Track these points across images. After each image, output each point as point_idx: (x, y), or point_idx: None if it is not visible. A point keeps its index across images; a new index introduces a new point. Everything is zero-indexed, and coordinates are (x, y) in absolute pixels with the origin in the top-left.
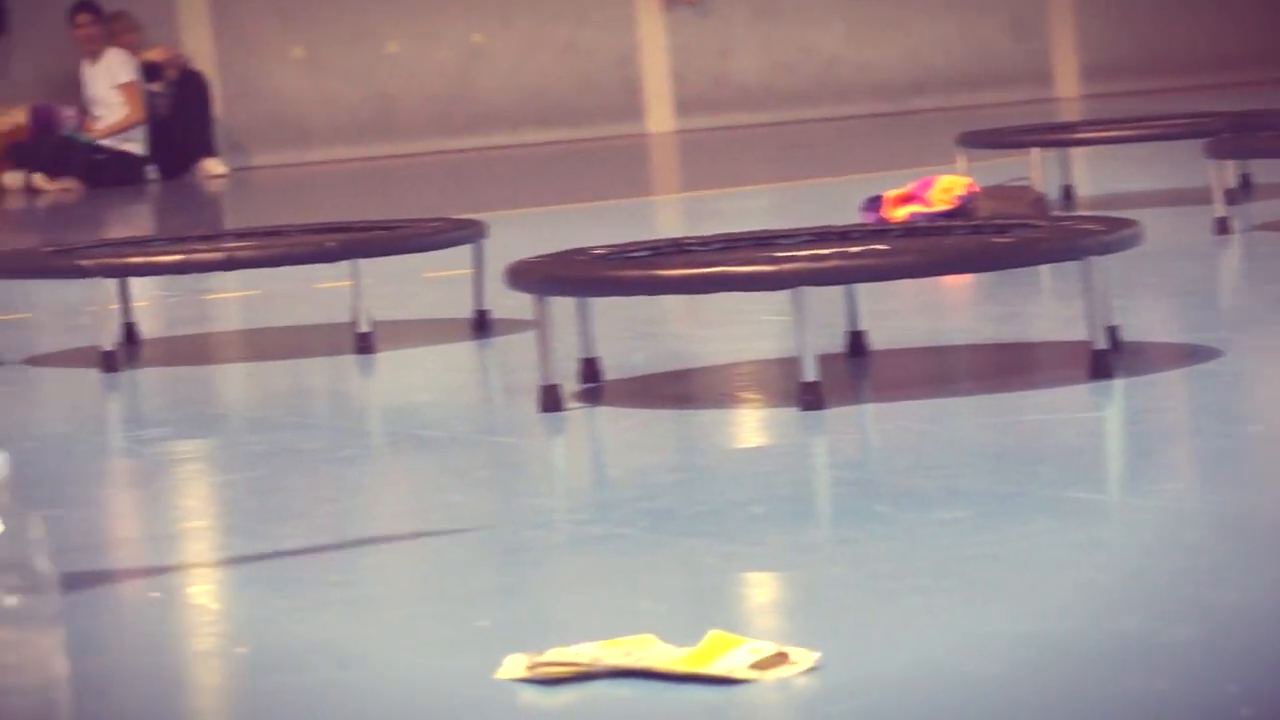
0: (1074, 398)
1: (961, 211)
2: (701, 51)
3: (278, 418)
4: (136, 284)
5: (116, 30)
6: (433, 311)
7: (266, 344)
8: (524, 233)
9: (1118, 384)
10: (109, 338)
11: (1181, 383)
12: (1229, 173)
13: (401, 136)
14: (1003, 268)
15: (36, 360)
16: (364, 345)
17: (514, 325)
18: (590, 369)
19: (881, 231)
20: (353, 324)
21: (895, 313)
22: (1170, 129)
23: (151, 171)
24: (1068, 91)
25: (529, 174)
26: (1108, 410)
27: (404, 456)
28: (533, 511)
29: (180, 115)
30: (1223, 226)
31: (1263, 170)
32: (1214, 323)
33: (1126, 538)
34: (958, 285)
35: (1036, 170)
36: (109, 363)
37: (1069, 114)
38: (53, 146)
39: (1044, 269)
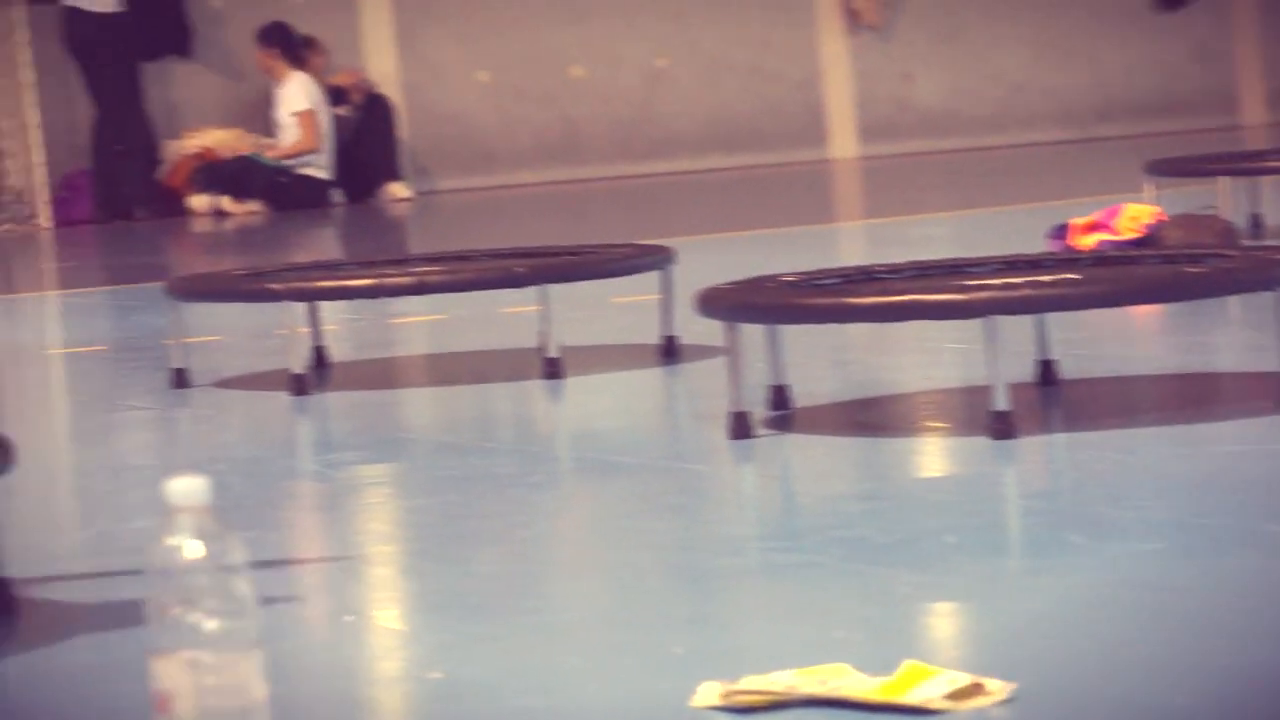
0: (1266, 429)
1: (1149, 240)
2: (885, 77)
3: (466, 442)
4: (325, 307)
5: (304, 54)
6: (620, 337)
7: (453, 368)
8: (708, 258)
9: None
10: (299, 361)
11: None
12: None
13: (584, 160)
14: (1196, 298)
15: (226, 383)
16: (552, 370)
17: (702, 351)
18: (780, 396)
19: (1073, 260)
20: (540, 349)
21: (1085, 341)
22: None
23: (337, 195)
24: (1253, 118)
25: (712, 199)
26: None
27: (593, 482)
28: (724, 539)
29: (365, 139)
30: None
31: None
32: None
33: None
34: (1147, 314)
35: (1225, 198)
36: (299, 386)
37: (1255, 141)
38: (236, 169)
39: (1233, 299)
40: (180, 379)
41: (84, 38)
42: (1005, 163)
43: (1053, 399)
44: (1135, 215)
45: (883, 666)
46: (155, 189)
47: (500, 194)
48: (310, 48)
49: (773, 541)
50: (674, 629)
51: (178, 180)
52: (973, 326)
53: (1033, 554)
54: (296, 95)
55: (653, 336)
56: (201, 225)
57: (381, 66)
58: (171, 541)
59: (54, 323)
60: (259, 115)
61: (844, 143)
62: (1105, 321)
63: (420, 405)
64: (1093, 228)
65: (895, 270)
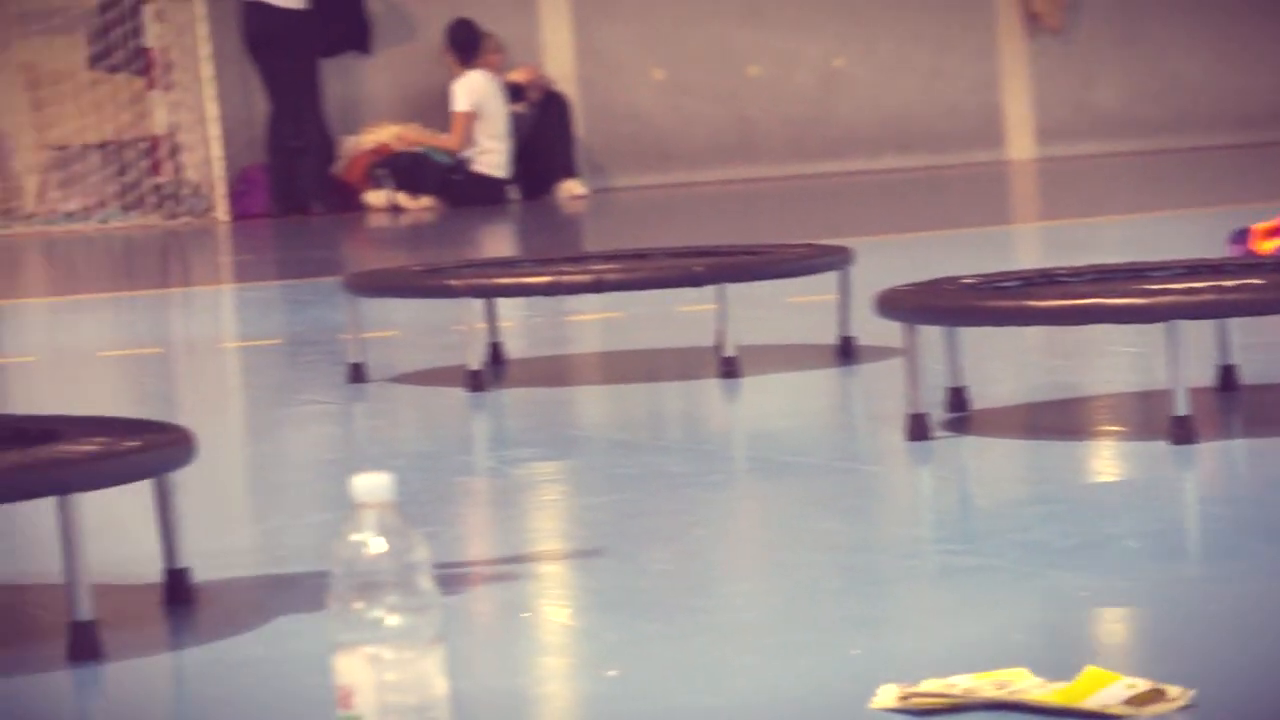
0: None
1: None
2: (1064, 79)
3: (641, 440)
4: (502, 304)
5: (482, 51)
6: (797, 337)
7: (629, 366)
8: (885, 259)
9: None
10: (475, 357)
11: None
12: None
13: (760, 159)
14: None
15: (403, 378)
16: (728, 370)
17: (878, 352)
18: (957, 398)
19: (1256, 265)
20: (717, 348)
21: (1266, 347)
22: None
23: (513, 191)
24: None
25: (888, 200)
26: None
27: (770, 482)
28: (901, 540)
29: (542, 136)
30: None
31: None
32: None
33: None
34: None
35: None
36: (475, 382)
37: None
38: (411, 165)
39: None
40: (357, 374)
41: (266, 33)
42: (1184, 166)
43: (1233, 404)
44: None
45: (1062, 671)
46: (331, 184)
47: (675, 192)
48: (488, 45)
49: (950, 544)
50: (850, 630)
51: (353, 175)
52: (1152, 331)
53: (1213, 559)
54: (458, 94)
55: (829, 337)
56: (376, 220)
57: (559, 63)
58: (356, 537)
59: (230, 316)
60: (435, 111)
61: (1021, 144)
62: None
63: (595, 403)
64: (1274, 232)
65: (1076, 274)
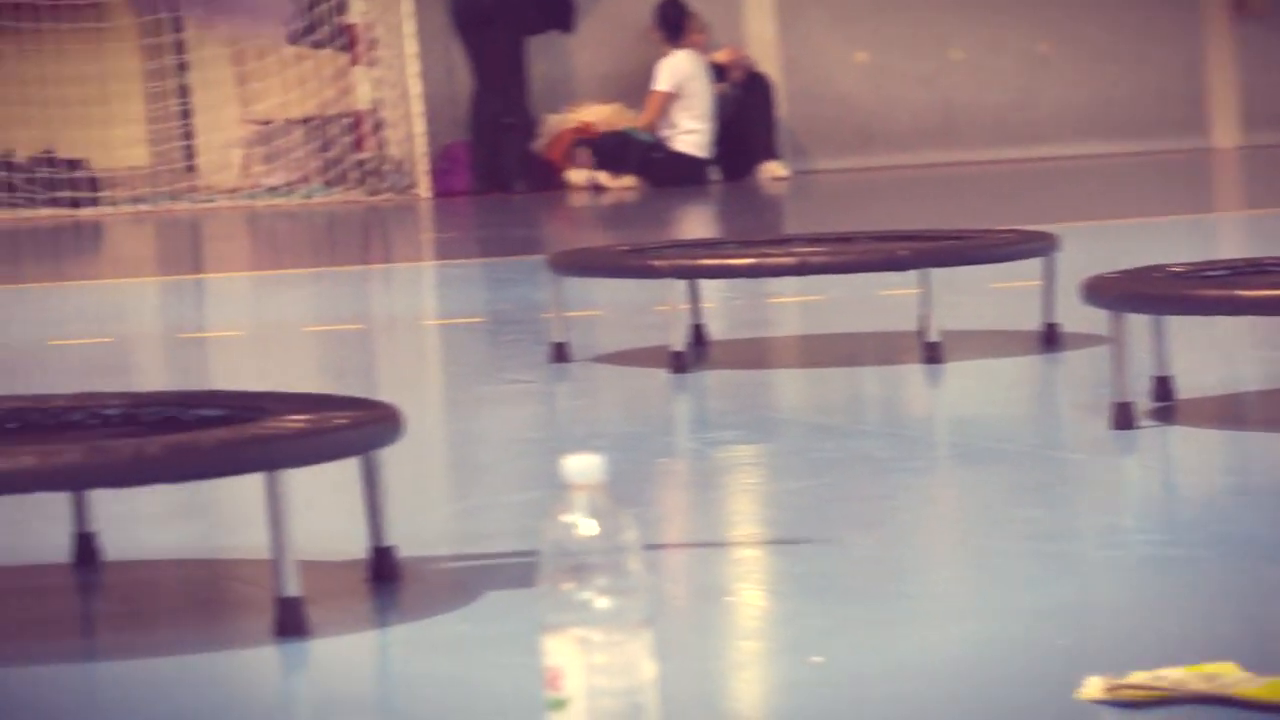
0: None
1: None
2: (1270, 65)
3: (845, 424)
4: (704, 285)
5: (687, 30)
6: (1000, 323)
7: (831, 350)
8: (1088, 245)
9: None
10: (678, 338)
11: None
12: None
13: (962, 144)
14: None
15: (605, 358)
16: (932, 355)
17: (1083, 340)
18: (1163, 387)
19: None
20: (919, 333)
21: None
22: None
23: (714, 172)
24: None
25: (1091, 186)
26: None
27: (973, 468)
28: (1106, 530)
29: (744, 117)
30: None
31: None
32: None
33: None
34: None
35: None
36: (678, 363)
37: None
38: (613, 144)
39: None
40: (560, 353)
41: (475, 10)
42: None
43: None
44: None
45: (1271, 666)
46: (533, 162)
47: (876, 175)
48: (694, 24)
49: (1155, 534)
50: (1055, 620)
51: (555, 154)
52: None
53: None
54: (661, 73)
55: (1033, 323)
56: (577, 199)
57: (762, 45)
58: (566, 518)
59: (432, 293)
60: (637, 91)
61: (1226, 131)
62: None
63: (797, 386)
64: None
65: None
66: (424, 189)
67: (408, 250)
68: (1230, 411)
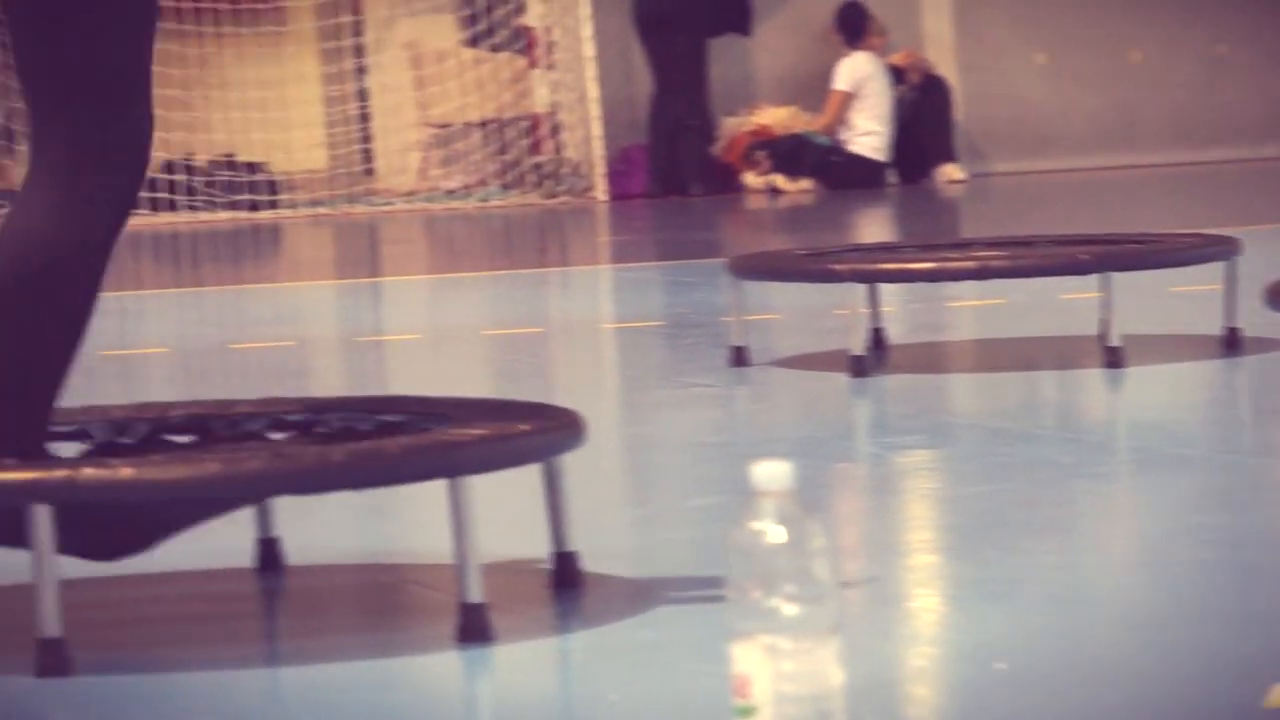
0: None
1: None
2: None
3: (1025, 429)
4: (882, 289)
5: (866, 32)
6: (1181, 327)
7: (1009, 354)
8: (1270, 249)
9: None
10: (858, 342)
11: None
12: None
13: (1141, 146)
14: None
15: (784, 362)
16: (1112, 359)
17: (1265, 344)
18: None
19: None
20: (1100, 337)
21: None
22: None
23: (890, 175)
24: None
25: (1272, 188)
26: None
27: (1157, 474)
28: None
29: (921, 119)
30: None
31: None
32: None
33: None
34: None
35: None
36: (858, 367)
37: None
38: (790, 147)
39: None
40: (739, 357)
41: (661, 11)
42: None
43: None
44: None
45: None
46: (710, 165)
47: (1053, 178)
48: (873, 27)
49: None
50: (1243, 627)
51: (733, 157)
52: None
53: None
54: (840, 73)
55: (1214, 327)
56: (754, 202)
57: (940, 47)
58: (755, 525)
59: (609, 297)
60: (814, 94)
61: None
62: None
63: (977, 390)
64: None
65: None
66: (600, 191)
67: (585, 253)
68: None
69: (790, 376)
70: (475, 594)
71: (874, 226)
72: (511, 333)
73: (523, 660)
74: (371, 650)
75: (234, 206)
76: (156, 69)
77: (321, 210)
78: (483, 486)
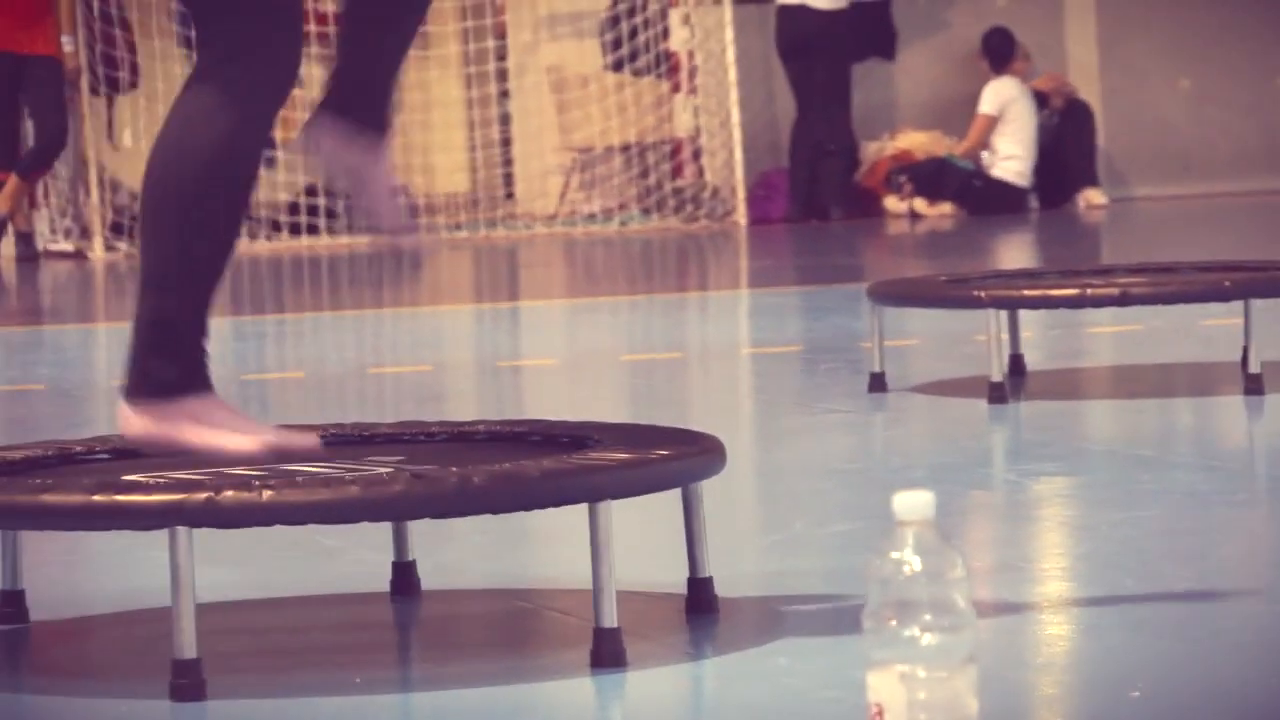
0: None
1: None
2: None
3: (1164, 457)
4: (1023, 315)
5: (1013, 58)
6: None
7: (1149, 380)
8: None
9: None
10: (998, 369)
11: None
12: None
13: None
14: None
15: (923, 388)
16: (1253, 386)
17: None
18: None
19: None
20: (1241, 364)
21: None
22: None
23: (1032, 200)
24: None
25: None
26: None
27: None
28: None
29: (1064, 144)
30: None
31: None
32: None
33: None
34: None
35: None
36: (997, 394)
37: None
38: (931, 171)
39: None
40: (878, 383)
41: (805, 35)
42: None
43: None
44: None
45: None
46: (852, 190)
47: (1195, 203)
48: (1018, 53)
49: None
50: None
51: (874, 181)
52: None
53: None
54: (986, 97)
55: None
56: (894, 227)
57: (1083, 72)
58: (895, 554)
59: (748, 322)
60: (956, 119)
61: None
62: None
63: (1116, 417)
64: None
65: None
66: (741, 216)
67: (724, 278)
68: None
69: (928, 403)
70: (610, 619)
71: (1014, 251)
72: (650, 358)
73: (656, 686)
74: (505, 675)
75: (374, 230)
76: (304, 93)
77: (462, 234)
78: (618, 511)
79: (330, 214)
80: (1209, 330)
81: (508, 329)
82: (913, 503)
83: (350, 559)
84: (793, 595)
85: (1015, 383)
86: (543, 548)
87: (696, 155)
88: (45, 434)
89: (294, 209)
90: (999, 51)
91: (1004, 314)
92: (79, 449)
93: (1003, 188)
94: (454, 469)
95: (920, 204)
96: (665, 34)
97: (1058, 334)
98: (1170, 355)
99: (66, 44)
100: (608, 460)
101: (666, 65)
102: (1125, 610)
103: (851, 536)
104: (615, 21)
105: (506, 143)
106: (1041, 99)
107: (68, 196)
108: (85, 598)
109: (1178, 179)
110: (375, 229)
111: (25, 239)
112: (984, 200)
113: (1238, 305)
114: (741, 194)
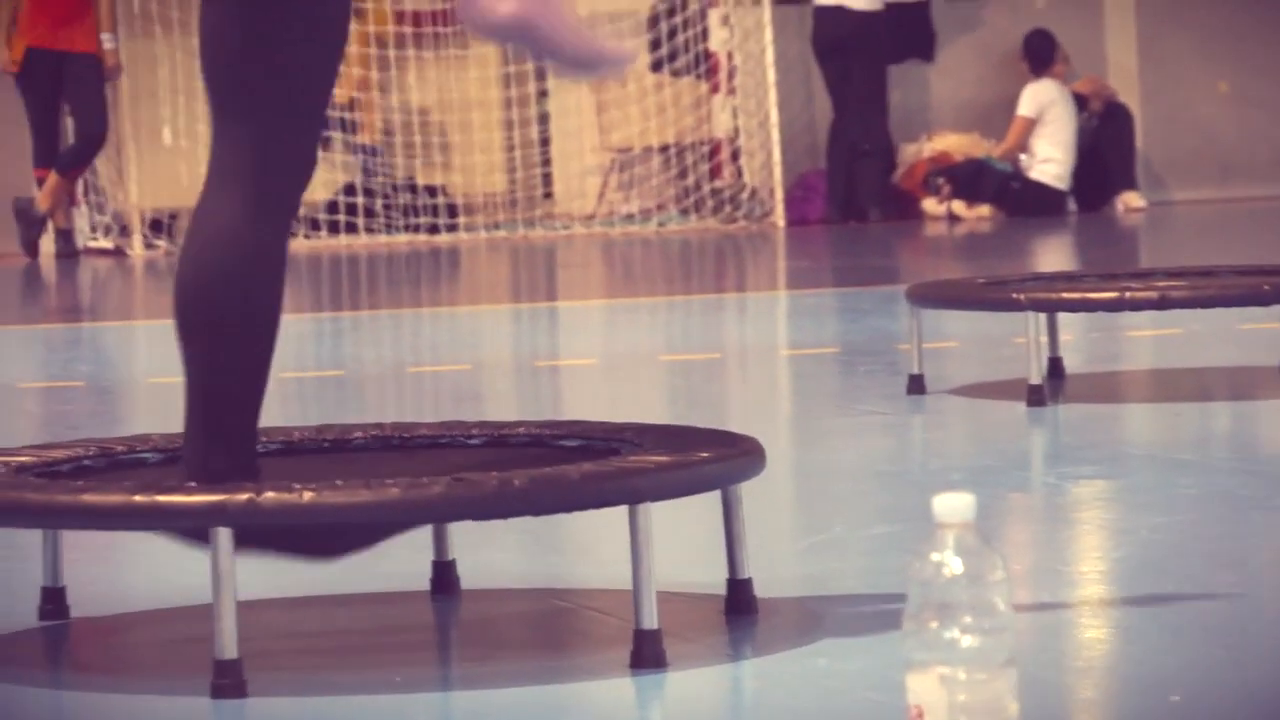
0: None
1: None
2: None
3: (1203, 461)
4: (1061, 318)
5: (1053, 60)
6: None
7: (1187, 384)
8: None
9: None
10: (1037, 371)
11: None
12: None
13: None
14: None
15: (961, 390)
16: None
17: None
18: None
19: None
20: (1279, 369)
21: None
22: None
23: (1070, 202)
24: None
25: None
26: None
27: None
28: None
29: (1103, 147)
30: None
31: None
32: None
33: None
34: None
35: None
36: (1036, 397)
37: None
38: (969, 173)
39: None
40: (916, 385)
41: (841, 36)
42: None
43: None
44: None
45: None
46: (890, 191)
47: (1234, 206)
48: (1057, 55)
49: None
50: None
51: (911, 183)
52: None
53: None
54: (1025, 99)
55: None
56: (932, 229)
57: (1122, 75)
58: (935, 556)
59: (786, 323)
60: (995, 121)
61: None
62: None
63: (1154, 421)
64: None
65: None
66: (779, 217)
67: (762, 279)
68: None
69: (967, 405)
70: (650, 620)
71: (1052, 254)
72: (688, 358)
73: (695, 687)
74: (544, 675)
75: (413, 229)
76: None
77: (500, 234)
78: (657, 512)
79: (370, 214)
80: (1248, 334)
81: (546, 329)
82: (953, 505)
83: (390, 558)
84: (832, 597)
85: (1054, 385)
86: (582, 549)
87: (735, 156)
88: (84, 431)
89: (333, 208)
90: (1039, 53)
91: (1043, 317)
92: (120, 449)
93: (1041, 190)
94: (494, 472)
95: (958, 206)
96: (704, 34)
97: (1096, 337)
98: (1209, 359)
99: (106, 41)
100: (647, 463)
101: (706, 66)
102: (1165, 614)
103: (891, 538)
104: (655, 21)
105: (545, 143)
106: (1081, 101)
107: (108, 194)
108: (125, 595)
109: (1217, 182)
110: (579, 68)
111: (65, 236)
112: (1022, 202)
113: (1277, 309)
114: (780, 195)
